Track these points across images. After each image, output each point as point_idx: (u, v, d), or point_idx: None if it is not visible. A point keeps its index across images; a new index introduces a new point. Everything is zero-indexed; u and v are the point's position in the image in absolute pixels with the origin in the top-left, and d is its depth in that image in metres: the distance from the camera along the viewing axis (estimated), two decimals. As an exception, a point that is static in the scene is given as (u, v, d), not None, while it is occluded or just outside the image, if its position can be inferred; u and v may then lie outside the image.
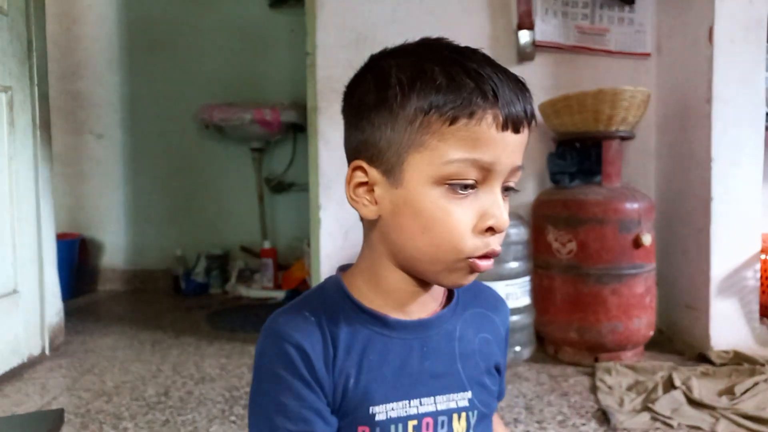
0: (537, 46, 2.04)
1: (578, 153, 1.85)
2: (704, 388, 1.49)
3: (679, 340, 1.94)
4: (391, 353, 0.54)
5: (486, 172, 0.50)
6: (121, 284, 3.06)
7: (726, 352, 1.73)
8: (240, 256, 3.06)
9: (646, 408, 1.41)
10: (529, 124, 0.52)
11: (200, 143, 3.07)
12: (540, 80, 2.07)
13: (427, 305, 0.57)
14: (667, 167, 2.06)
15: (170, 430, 1.35)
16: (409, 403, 0.53)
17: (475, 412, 0.55)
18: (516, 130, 0.50)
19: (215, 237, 3.08)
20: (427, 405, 0.54)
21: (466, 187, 0.50)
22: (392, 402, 0.53)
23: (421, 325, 0.55)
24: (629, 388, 1.53)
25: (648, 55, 2.11)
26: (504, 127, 0.49)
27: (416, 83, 0.49)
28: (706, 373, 1.59)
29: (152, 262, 3.06)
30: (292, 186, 3.08)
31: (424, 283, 0.55)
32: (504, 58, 2.07)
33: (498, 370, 0.60)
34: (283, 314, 0.55)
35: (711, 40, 1.78)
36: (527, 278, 1.86)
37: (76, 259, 2.86)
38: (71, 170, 3.01)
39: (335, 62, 1.92)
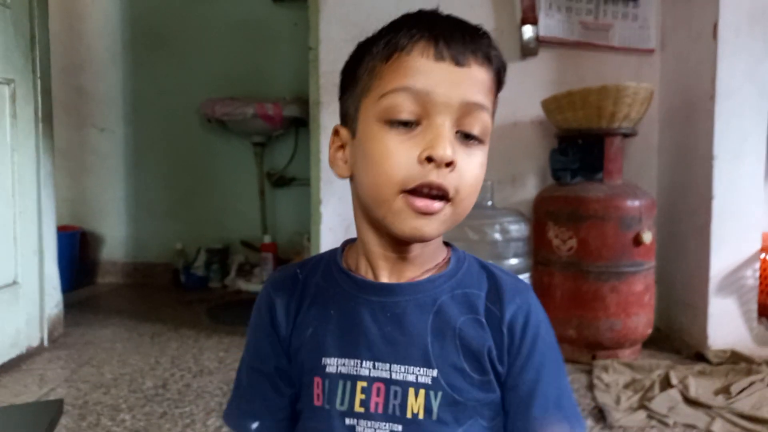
0: (541, 42, 2.03)
1: (580, 149, 1.85)
2: (701, 387, 1.49)
3: (676, 338, 1.93)
4: (353, 311, 0.54)
5: (424, 104, 0.48)
6: (121, 277, 3.06)
7: (723, 351, 1.72)
8: (240, 250, 3.06)
9: (642, 406, 1.40)
10: (481, 62, 0.51)
11: (202, 137, 3.07)
12: (543, 75, 2.07)
13: (405, 272, 0.55)
14: (669, 164, 2.05)
15: (168, 422, 1.35)
16: (361, 363, 0.52)
17: (440, 393, 0.51)
18: (457, 62, 0.49)
19: (216, 231, 3.08)
20: (381, 370, 0.52)
21: (407, 123, 0.49)
22: (344, 358, 0.53)
23: (388, 289, 0.54)
24: (626, 386, 1.53)
25: (652, 51, 2.10)
26: (439, 56, 0.49)
27: (370, 42, 0.53)
28: (702, 372, 1.59)
29: (152, 255, 3.07)
30: (293, 180, 3.08)
31: (398, 247, 0.54)
32: (507, 53, 2.04)
33: (491, 361, 0.53)
34: (283, 266, 0.63)
35: (715, 36, 1.76)
36: (527, 275, 1.86)
37: (77, 252, 2.87)
38: (73, 163, 3.02)
39: (338, 57, 1.90)
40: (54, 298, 2.00)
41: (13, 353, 1.76)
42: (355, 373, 0.52)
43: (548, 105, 1.87)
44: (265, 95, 2.91)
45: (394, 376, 0.52)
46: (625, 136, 1.81)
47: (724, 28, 1.76)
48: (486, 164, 0.54)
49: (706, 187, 1.80)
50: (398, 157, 0.48)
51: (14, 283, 1.81)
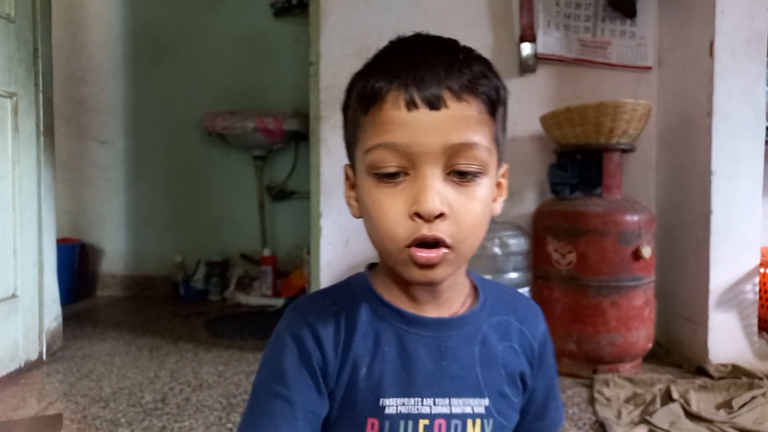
0: (539, 59, 2.05)
1: (579, 164, 1.86)
2: (702, 402, 1.49)
3: (677, 352, 1.93)
4: (407, 348, 0.53)
5: (407, 156, 0.47)
6: (120, 290, 3.06)
7: (724, 365, 1.72)
8: (239, 263, 3.06)
9: (643, 420, 1.40)
10: (462, 97, 0.48)
11: (202, 150, 3.08)
12: (542, 92, 2.09)
13: (443, 306, 0.55)
14: (667, 180, 2.07)
15: (167, 436, 1.35)
16: (422, 402, 0.52)
17: (491, 420, 0.53)
18: (432, 106, 0.47)
19: (215, 244, 3.08)
20: (441, 406, 0.52)
21: (392, 175, 0.48)
22: (404, 397, 0.52)
23: (440, 324, 0.54)
24: (627, 401, 1.53)
25: (649, 68, 2.12)
26: (411, 105, 0.47)
27: (353, 83, 0.53)
28: (704, 387, 1.59)
29: (152, 268, 3.06)
30: (293, 194, 3.08)
31: (424, 290, 0.55)
32: (506, 70, 2.08)
33: (523, 381, 0.58)
34: (306, 298, 0.58)
35: (712, 54, 1.79)
36: (527, 289, 1.86)
37: (76, 264, 2.87)
38: (73, 175, 3.02)
39: (339, 72, 1.94)
40: (53, 311, 1.99)
41: (11, 367, 1.75)
42: (416, 412, 0.52)
43: (547, 121, 1.88)
44: (266, 109, 2.92)
45: (453, 410, 0.52)
46: (624, 151, 1.83)
47: (720, 49, 1.78)
48: (491, 193, 0.52)
49: (704, 203, 1.81)
50: (391, 213, 0.48)
51: (13, 296, 1.81)
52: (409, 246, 0.48)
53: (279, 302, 2.75)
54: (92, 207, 3.08)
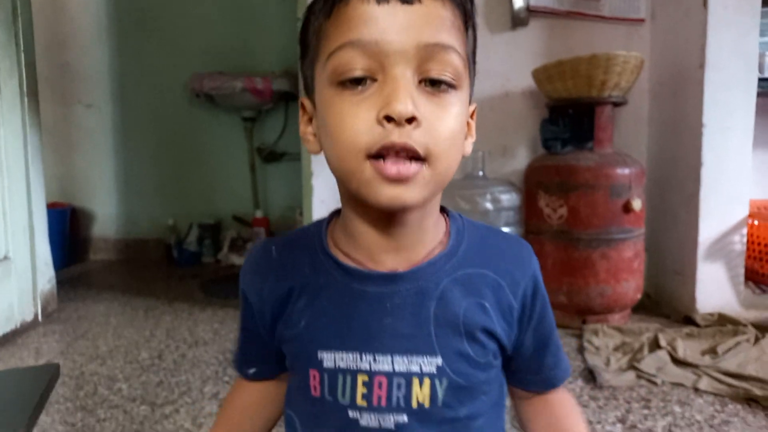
0: (531, 12, 2.02)
1: (571, 119, 1.85)
2: (688, 348, 1.52)
3: (665, 303, 1.97)
4: (347, 303, 0.50)
5: (376, 56, 0.42)
6: (113, 254, 3.06)
7: (711, 314, 1.76)
8: (232, 226, 3.06)
9: (631, 367, 1.44)
10: None
11: (191, 113, 3.04)
12: (534, 46, 2.06)
13: (405, 254, 0.50)
14: (658, 134, 2.07)
15: (164, 390, 1.37)
16: (360, 357, 0.49)
17: (445, 380, 0.49)
18: (405, 0, 0.43)
19: (207, 206, 3.07)
20: (382, 363, 0.49)
21: (358, 81, 0.43)
22: (341, 351, 0.50)
23: (384, 279, 0.50)
24: (616, 349, 1.56)
25: (642, 20, 2.10)
26: None
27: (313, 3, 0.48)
28: (690, 334, 1.62)
29: (144, 231, 3.06)
30: (283, 155, 3.06)
31: (389, 223, 0.49)
32: (498, 23, 2.05)
33: (495, 338, 0.51)
34: (257, 247, 0.57)
35: (706, 5, 1.76)
36: (518, 244, 1.88)
37: (67, 229, 2.86)
38: (60, 140, 2.99)
39: (326, 27, 1.90)
40: (46, 274, 1.99)
41: (7, 328, 1.76)
42: (354, 367, 0.49)
43: (539, 75, 1.87)
44: (254, 69, 2.88)
45: (396, 368, 0.49)
46: (616, 105, 1.82)
47: (713, 1, 1.76)
48: (465, 113, 0.47)
49: (695, 156, 1.82)
50: (355, 120, 0.43)
51: (5, 258, 1.80)
52: (375, 157, 0.43)
53: (272, 263, 2.75)
54: (81, 172, 3.05)
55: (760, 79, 1.83)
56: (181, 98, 3.02)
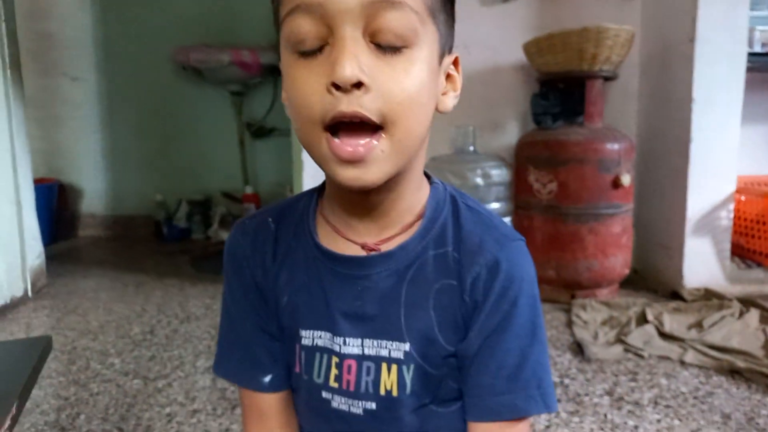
0: (522, -16, 2.00)
1: (561, 93, 1.85)
2: (675, 322, 1.55)
3: (653, 278, 2.00)
4: (323, 282, 0.49)
5: (323, 19, 0.40)
6: (101, 230, 3.03)
7: (697, 289, 1.79)
8: (222, 202, 3.04)
9: (619, 340, 1.46)
10: None
11: (178, 86, 3.00)
12: (525, 19, 2.04)
13: (382, 229, 0.49)
14: (648, 108, 2.07)
15: (157, 364, 1.37)
16: (333, 338, 0.49)
17: (412, 366, 0.47)
18: None
19: (196, 182, 3.05)
20: (352, 346, 0.48)
21: (309, 49, 0.41)
22: (319, 330, 0.49)
23: (355, 262, 0.49)
24: (603, 323, 1.59)
25: (633, -6, 2.08)
26: None
27: None
28: (677, 309, 1.65)
29: (132, 207, 3.03)
30: (273, 131, 3.04)
31: (360, 200, 0.48)
32: (488, -4, 2.03)
33: (466, 326, 0.48)
34: (253, 214, 0.55)
35: (697, -21, 1.75)
36: (508, 219, 1.88)
37: (55, 205, 2.83)
38: (45, 113, 2.93)
39: (316, -1, 1.87)
40: (35, 249, 1.98)
41: (-4, 303, 1.76)
42: (329, 347, 0.49)
43: (529, 48, 1.86)
44: (241, 42, 2.83)
45: (366, 351, 0.48)
46: (606, 79, 1.81)
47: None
48: (428, 70, 0.43)
49: (684, 131, 1.82)
50: (308, 89, 0.41)
51: (-7, 233, 1.79)
52: (330, 129, 0.41)
53: (263, 239, 2.75)
54: (67, 146, 3.00)
55: (750, 54, 1.83)
56: (166, 71, 2.96)
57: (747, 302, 1.64)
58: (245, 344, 0.54)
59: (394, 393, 0.48)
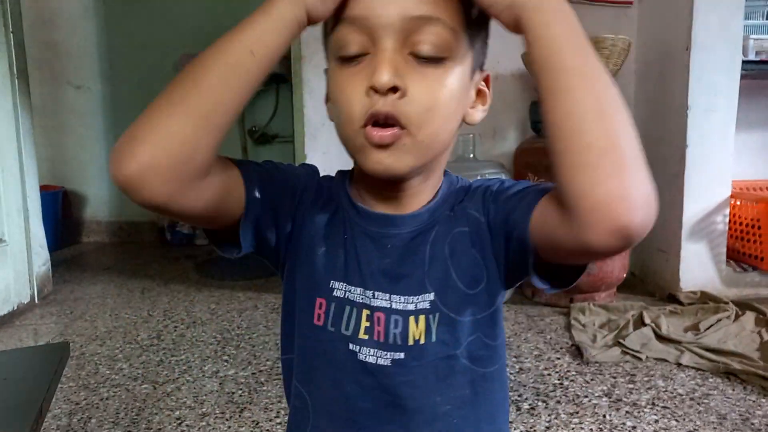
0: (520, -6, 2.03)
1: (559, 101, 1.88)
2: (672, 325, 1.58)
3: (650, 282, 2.03)
4: (358, 240, 0.53)
5: (367, 31, 0.46)
6: (106, 236, 3.07)
7: (694, 292, 1.82)
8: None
9: (617, 343, 1.49)
10: None
11: (181, 94, 3.02)
12: (523, 29, 2.08)
13: (404, 208, 0.53)
14: (644, 115, 2.10)
15: (165, 369, 1.40)
16: (364, 292, 0.52)
17: (437, 314, 0.51)
18: None
19: (199, 188, 3.07)
20: (381, 300, 0.52)
21: (353, 57, 0.47)
22: (350, 285, 0.53)
23: (386, 220, 0.53)
24: (602, 326, 1.62)
25: (630, 3, 2.12)
26: None
27: None
28: (674, 312, 1.68)
29: (136, 213, 3.06)
30: (275, 138, 3.07)
31: (382, 194, 0.53)
32: (487, 5, 2.06)
33: (478, 258, 0.51)
34: (319, 175, 0.59)
35: (692, -13, 1.79)
36: (508, 224, 1.92)
37: (60, 212, 2.86)
38: (50, 122, 2.96)
39: (318, 9, 1.90)
40: (42, 256, 2.01)
41: (4, 309, 1.79)
42: (360, 301, 0.52)
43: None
44: (245, 50, 2.86)
45: (394, 305, 0.51)
46: (604, 87, 1.85)
47: (699, -18, 1.79)
48: (460, 84, 0.48)
49: (680, 137, 1.86)
50: (349, 92, 0.47)
51: (0, 241, 1.82)
52: (364, 126, 0.46)
53: (265, 244, 2.78)
54: (72, 154, 3.04)
55: (745, 62, 1.87)
56: (170, 78, 2.98)
57: (743, 305, 1.68)
58: (267, 167, 0.55)
59: (422, 341, 0.51)
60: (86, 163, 3.05)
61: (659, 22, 2.00)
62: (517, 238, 0.48)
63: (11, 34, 1.89)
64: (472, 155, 1.92)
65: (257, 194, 0.51)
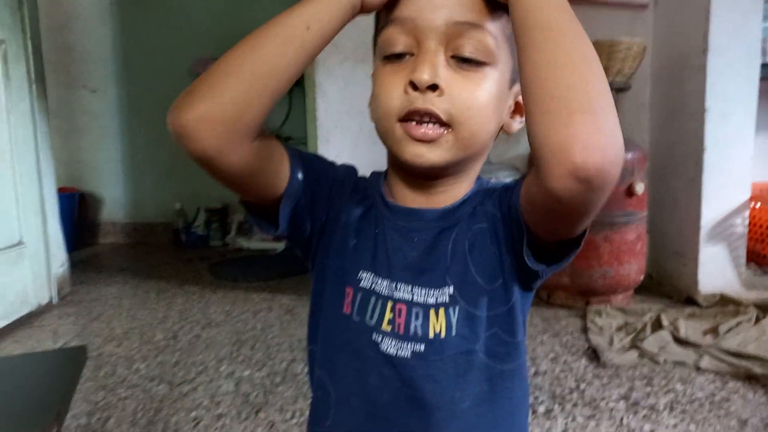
0: (535, -4, 2.03)
1: (574, 103, 1.87)
2: (690, 328, 1.56)
3: (667, 284, 2.01)
4: (387, 236, 0.55)
5: (413, 32, 0.48)
6: (121, 237, 3.09)
7: (713, 295, 1.80)
8: (239, 209, 3.08)
9: (634, 346, 1.48)
10: None
11: (195, 97, 3.05)
12: (537, 31, 2.07)
13: (433, 202, 0.54)
14: (660, 118, 2.09)
15: (181, 370, 1.41)
16: (389, 284, 0.54)
17: (457, 308, 0.52)
18: None
19: (214, 190, 3.08)
20: (403, 292, 0.53)
21: (399, 56, 0.49)
22: (378, 277, 0.54)
23: (414, 214, 0.54)
24: (619, 329, 1.61)
25: (645, 6, 2.10)
26: None
27: None
28: (692, 315, 1.66)
29: (152, 215, 3.09)
30: (288, 140, 3.08)
31: (418, 190, 0.54)
32: (502, 8, 2.06)
33: (495, 255, 0.52)
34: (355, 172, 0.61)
35: (709, -12, 1.78)
36: (522, 227, 1.91)
37: (76, 213, 2.89)
38: (66, 124, 3.00)
39: (332, 12, 1.91)
40: (59, 258, 2.03)
41: (23, 311, 1.80)
42: (386, 293, 0.53)
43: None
44: (258, 54, 2.87)
45: (415, 298, 0.52)
46: (618, 90, 1.84)
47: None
48: (498, 89, 0.50)
49: (697, 141, 1.84)
50: (390, 87, 0.49)
51: (19, 243, 1.84)
52: (403, 120, 0.49)
53: (279, 246, 2.80)
54: (88, 156, 3.07)
55: (763, 65, 1.85)
56: (184, 82, 2.96)
57: (763, 308, 1.65)
58: (309, 155, 0.57)
59: (442, 335, 0.52)
60: (102, 165, 3.08)
61: (675, 24, 1.99)
62: (514, 219, 0.50)
63: (29, 40, 1.91)
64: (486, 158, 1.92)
65: (299, 176, 0.54)
